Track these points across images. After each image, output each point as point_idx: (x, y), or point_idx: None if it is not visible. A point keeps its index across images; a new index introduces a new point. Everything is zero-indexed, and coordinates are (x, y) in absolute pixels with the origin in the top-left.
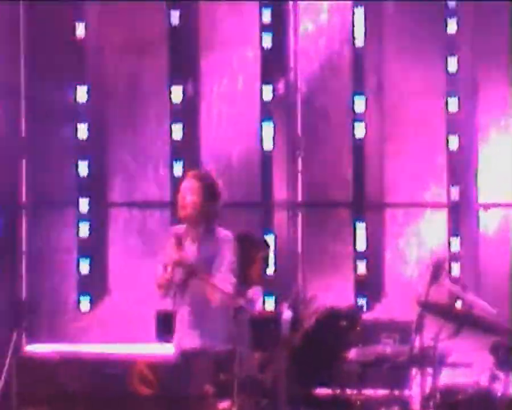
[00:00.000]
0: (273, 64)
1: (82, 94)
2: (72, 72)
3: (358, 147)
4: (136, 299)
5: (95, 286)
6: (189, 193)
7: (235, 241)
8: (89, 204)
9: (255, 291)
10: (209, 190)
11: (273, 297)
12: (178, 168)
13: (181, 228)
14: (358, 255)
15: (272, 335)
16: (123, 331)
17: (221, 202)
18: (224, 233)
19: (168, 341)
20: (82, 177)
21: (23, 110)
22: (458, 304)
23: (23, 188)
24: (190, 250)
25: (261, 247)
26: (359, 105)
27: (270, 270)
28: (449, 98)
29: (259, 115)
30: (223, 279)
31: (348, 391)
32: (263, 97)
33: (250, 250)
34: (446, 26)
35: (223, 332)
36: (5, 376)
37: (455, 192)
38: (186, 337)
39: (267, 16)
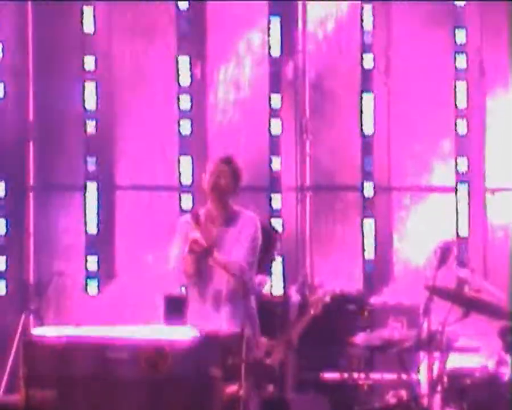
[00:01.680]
0: (282, 48)
1: (89, 76)
2: (79, 57)
3: (366, 131)
4: (143, 283)
5: (102, 269)
6: (220, 176)
7: (258, 222)
8: (97, 187)
9: (263, 277)
10: (236, 174)
11: (282, 281)
12: (185, 151)
13: (199, 209)
14: (366, 239)
15: (280, 319)
16: (130, 314)
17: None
18: (249, 215)
19: (176, 325)
20: (90, 160)
21: (31, 92)
22: (466, 289)
23: (30, 170)
24: (213, 232)
25: (273, 236)
26: (367, 87)
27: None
28: (457, 82)
29: (266, 99)
30: (242, 256)
31: (356, 375)
32: (271, 81)
33: (264, 237)
34: (455, 7)
35: (233, 315)
36: (13, 358)
37: (462, 176)
38: (201, 322)
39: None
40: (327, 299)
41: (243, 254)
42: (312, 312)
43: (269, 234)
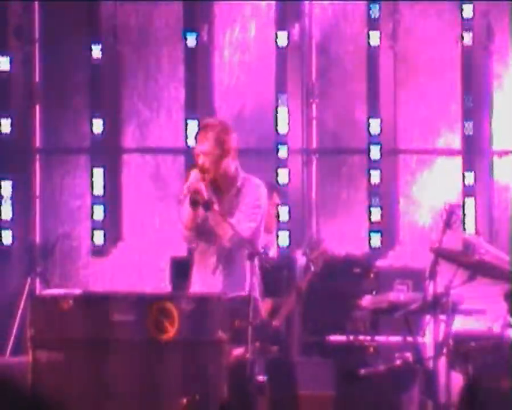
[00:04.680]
0: (288, 11)
1: (95, 40)
2: (85, 17)
3: (372, 93)
4: (149, 245)
5: (108, 231)
6: (201, 152)
7: (264, 189)
8: (103, 149)
9: (268, 239)
10: (219, 138)
11: (287, 243)
12: (191, 114)
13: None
14: (372, 202)
15: (286, 281)
16: (136, 277)
17: (233, 145)
18: (252, 182)
19: (182, 287)
20: (96, 123)
21: (37, 54)
22: (472, 251)
23: (37, 133)
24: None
25: (275, 195)
26: (373, 51)
27: (283, 217)
28: (463, 45)
29: (273, 61)
30: (240, 220)
31: (361, 338)
32: (278, 44)
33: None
34: None
35: (239, 278)
36: (19, 320)
37: (469, 139)
38: (204, 283)
39: None
40: (328, 255)
41: (241, 219)
42: (312, 269)
43: (272, 195)
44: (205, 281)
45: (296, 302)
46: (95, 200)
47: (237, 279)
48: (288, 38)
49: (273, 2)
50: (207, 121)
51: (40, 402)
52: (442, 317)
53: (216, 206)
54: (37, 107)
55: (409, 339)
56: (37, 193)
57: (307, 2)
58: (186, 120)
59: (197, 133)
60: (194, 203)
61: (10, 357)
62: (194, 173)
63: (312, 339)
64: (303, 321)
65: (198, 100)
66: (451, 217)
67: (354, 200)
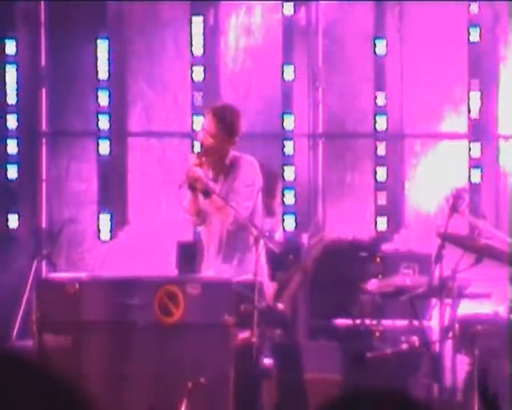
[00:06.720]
0: None
1: (101, 23)
2: (91, 1)
3: (378, 78)
4: (155, 229)
5: (114, 215)
6: (206, 134)
7: (256, 165)
8: (109, 133)
9: (274, 221)
10: (226, 125)
11: (293, 227)
12: (197, 98)
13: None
14: (378, 186)
15: (292, 265)
16: (142, 261)
17: (239, 131)
18: (245, 159)
19: (188, 271)
20: (102, 107)
21: (43, 38)
22: (478, 235)
23: (43, 116)
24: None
25: (277, 178)
26: (380, 34)
27: (289, 201)
28: (470, 30)
29: (279, 45)
30: (238, 202)
31: (368, 322)
32: (283, 28)
33: (267, 181)
34: None
35: (244, 262)
36: (25, 303)
37: (475, 123)
38: (210, 268)
39: None
40: (327, 240)
41: (239, 200)
42: (313, 254)
43: (272, 178)
44: (210, 265)
45: (300, 283)
46: (101, 183)
47: (242, 263)
48: (294, 22)
49: None
50: (216, 103)
51: (55, 383)
52: (448, 301)
53: (216, 190)
54: (43, 91)
55: (415, 322)
56: (43, 176)
57: None
58: (192, 103)
59: (205, 114)
60: (192, 188)
61: (16, 341)
62: (192, 158)
63: (318, 322)
64: (309, 305)
65: (204, 84)
66: (457, 202)
67: (360, 183)
